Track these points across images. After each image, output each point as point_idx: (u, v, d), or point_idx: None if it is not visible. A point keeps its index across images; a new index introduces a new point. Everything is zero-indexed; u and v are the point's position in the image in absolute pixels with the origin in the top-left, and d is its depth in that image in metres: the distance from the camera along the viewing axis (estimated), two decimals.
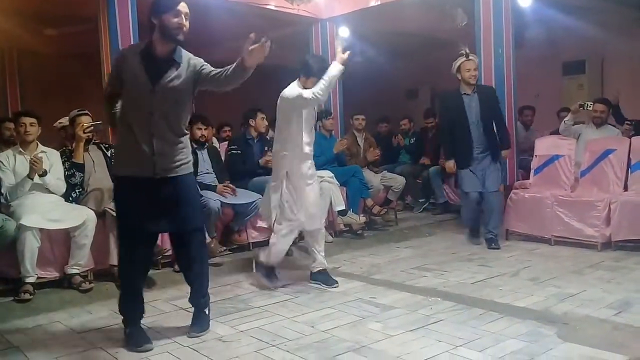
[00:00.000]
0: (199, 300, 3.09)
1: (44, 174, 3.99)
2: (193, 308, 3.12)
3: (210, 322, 3.10)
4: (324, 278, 3.92)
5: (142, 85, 2.75)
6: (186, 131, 2.94)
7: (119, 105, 2.89)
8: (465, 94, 4.87)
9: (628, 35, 7.22)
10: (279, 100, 3.82)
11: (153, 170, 2.80)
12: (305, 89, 3.69)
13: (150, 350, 2.81)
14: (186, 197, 2.93)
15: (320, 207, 3.91)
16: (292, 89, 3.75)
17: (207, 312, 3.12)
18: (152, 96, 2.75)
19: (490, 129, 4.90)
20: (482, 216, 5.02)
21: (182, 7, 2.73)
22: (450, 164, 5.00)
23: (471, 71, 4.80)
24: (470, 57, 4.83)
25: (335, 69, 3.61)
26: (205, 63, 2.87)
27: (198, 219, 3.07)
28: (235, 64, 2.72)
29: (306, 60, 3.81)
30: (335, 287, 3.84)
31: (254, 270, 4.09)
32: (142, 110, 2.77)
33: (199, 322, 3.06)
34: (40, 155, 4.00)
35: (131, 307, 2.97)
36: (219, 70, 2.81)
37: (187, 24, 2.75)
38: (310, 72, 3.73)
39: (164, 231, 3.13)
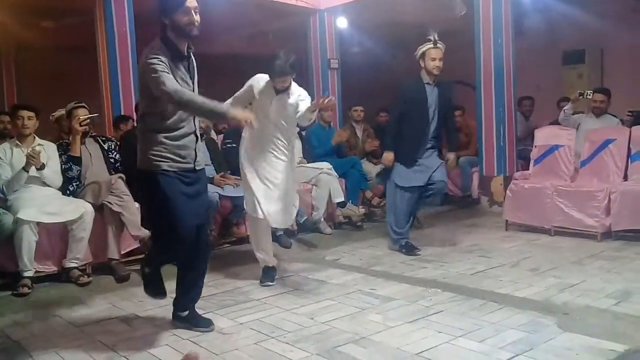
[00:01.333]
0: (196, 299, 3.05)
1: (42, 167, 3.97)
2: (185, 312, 3.00)
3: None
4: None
5: (188, 85, 2.76)
6: None
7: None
8: (427, 83, 4.42)
9: (627, 24, 7.17)
10: None
11: (194, 161, 2.85)
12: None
13: (164, 297, 2.97)
14: (206, 188, 3.10)
15: (280, 203, 3.69)
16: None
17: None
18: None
19: (441, 126, 4.52)
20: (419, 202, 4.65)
21: (190, 2, 2.67)
22: (390, 157, 4.52)
23: (436, 61, 4.32)
24: (437, 45, 4.33)
25: None
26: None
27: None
28: (217, 109, 2.69)
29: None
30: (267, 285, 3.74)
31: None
32: None
33: (203, 319, 3.03)
34: (38, 148, 3.98)
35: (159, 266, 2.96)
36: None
37: (198, 18, 2.69)
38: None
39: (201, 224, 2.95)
